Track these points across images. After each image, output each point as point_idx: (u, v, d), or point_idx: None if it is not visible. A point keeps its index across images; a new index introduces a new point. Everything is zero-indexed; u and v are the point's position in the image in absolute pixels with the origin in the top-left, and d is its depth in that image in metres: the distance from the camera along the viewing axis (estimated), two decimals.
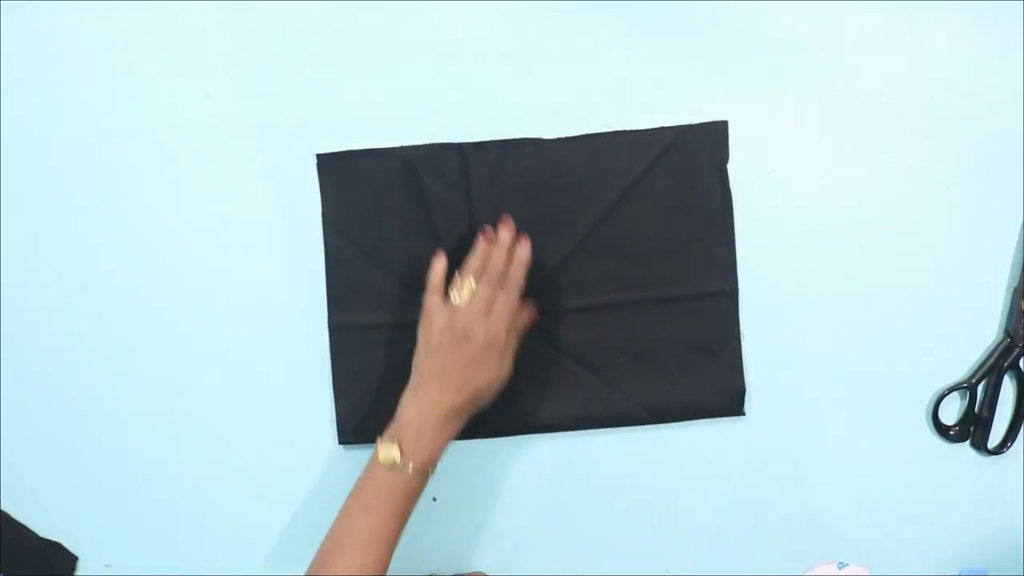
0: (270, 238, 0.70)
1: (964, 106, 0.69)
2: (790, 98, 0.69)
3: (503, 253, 0.64)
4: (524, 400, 0.70)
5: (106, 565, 0.72)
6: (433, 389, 0.61)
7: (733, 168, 0.69)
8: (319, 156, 0.69)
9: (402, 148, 0.69)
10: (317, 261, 0.70)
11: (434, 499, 0.71)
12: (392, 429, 0.61)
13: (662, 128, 0.69)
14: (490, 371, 0.62)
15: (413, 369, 0.63)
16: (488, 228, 0.65)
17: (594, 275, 0.69)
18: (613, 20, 0.69)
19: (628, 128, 0.69)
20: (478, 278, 0.63)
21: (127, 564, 0.72)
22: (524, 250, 0.65)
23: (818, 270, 0.69)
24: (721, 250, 0.69)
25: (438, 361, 0.61)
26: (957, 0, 0.68)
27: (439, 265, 0.64)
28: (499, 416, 0.69)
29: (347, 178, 0.70)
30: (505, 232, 0.65)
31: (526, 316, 0.66)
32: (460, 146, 0.69)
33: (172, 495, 0.71)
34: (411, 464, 0.59)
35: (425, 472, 0.60)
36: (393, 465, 0.59)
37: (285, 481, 0.71)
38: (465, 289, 0.62)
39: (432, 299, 0.63)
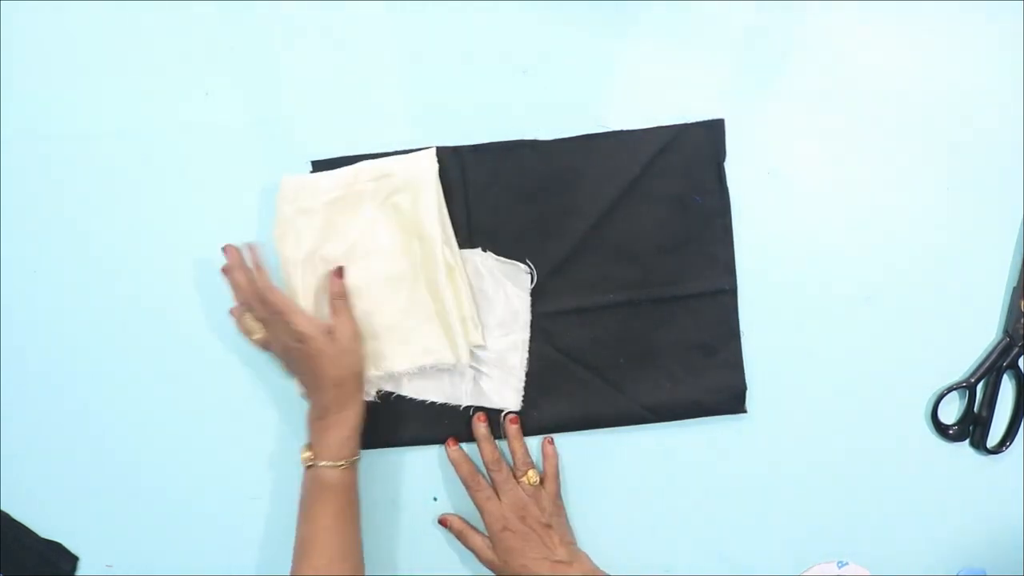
0: (269, 241, 0.70)
1: (964, 106, 0.69)
2: (788, 97, 0.69)
3: (240, 272, 0.66)
4: (527, 401, 0.70)
5: (107, 565, 0.72)
6: (309, 398, 0.66)
7: (731, 166, 0.69)
8: (314, 164, 0.69)
9: (396, 153, 0.69)
10: None
11: (435, 499, 0.71)
12: (307, 439, 0.66)
13: (659, 127, 0.69)
14: (315, 359, 0.63)
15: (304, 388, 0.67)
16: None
17: (594, 275, 0.69)
18: (608, 20, 0.69)
19: (625, 128, 0.69)
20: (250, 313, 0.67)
21: (127, 564, 0.72)
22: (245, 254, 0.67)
23: (817, 268, 0.69)
24: (720, 248, 0.69)
25: (300, 368, 0.65)
26: (957, 0, 0.68)
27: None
28: (500, 417, 0.70)
29: None
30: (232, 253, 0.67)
31: (335, 285, 0.67)
32: (457, 149, 0.69)
33: (174, 496, 0.72)
34: (321, 459, 0.63)
35: (337, 462, 0.64)
36: (307, 461, 0.64)
37: (286, 484, 0.71)
38: (246, 328, 0.67)
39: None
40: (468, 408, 0.69)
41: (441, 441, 0.70)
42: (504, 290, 0.69)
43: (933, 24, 0.68)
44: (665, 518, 0.70)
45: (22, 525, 0.72)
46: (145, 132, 0.71)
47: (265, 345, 0.67)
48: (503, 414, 0.69)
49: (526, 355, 0.69)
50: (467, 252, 0.69)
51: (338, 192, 0.68)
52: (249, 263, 0.66)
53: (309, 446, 0.65)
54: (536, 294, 0.69)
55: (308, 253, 0.67)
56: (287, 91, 0.70)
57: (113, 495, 0.72)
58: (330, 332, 0.64)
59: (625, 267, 0.69)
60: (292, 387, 0.70)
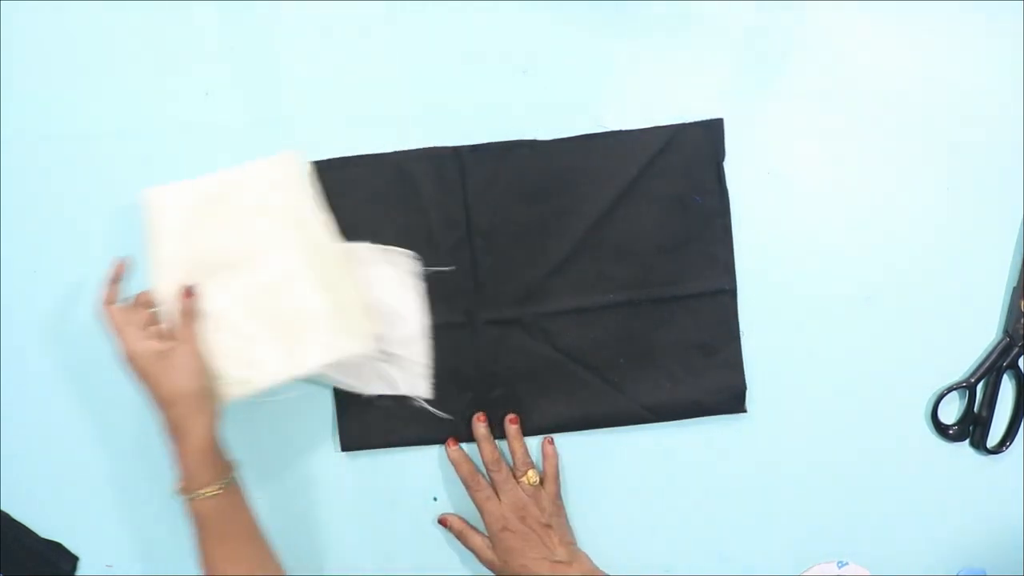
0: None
1: (964, 106, 0.69)
2: (788, 97, 0.69)
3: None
4: (526, 401, 0.70)
5: (107, 565, 0.72)
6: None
7: (731, 166, 0.69)
8: (313, 163, 0.69)
9: (396, 153, 0.69)
10: None
11: (435, 499, 0.71)
12: None
13: (658, 127, 0.68)
14: (143, 380, 0.62)
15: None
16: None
17: (593, 275, 0.69)
18: (608, 20, 0.69)
19: (624, 128, 0.69)
20: None
21: (127, 564, 0.72)
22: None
23: (817, 268, 0.69)
24: (719, 248, 0.69)
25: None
26: (957, 0, 0.68)
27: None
28: (502, 417, 0.70)
29: (341, 185, 0.69)
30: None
31: (184, 304, 0.64)
32: (456, 149, 0.69)
33: (173, 497, 0.71)
34: (188, 492, 0.61)
35: (203, 491, 0.61)
36: (179, 496, 0.62)
37: (287, 487, 0.71)
38: None
39: None
40: (468, 408, 0.69)
41: (441, 441, 0.70)
42: (395, 279, 0.68)
43: (933, 24, 0.69)
44: (665, 518, 0.70)
45: (22, 525, 0.72)
46: (145, 132, 0.71)
47: None
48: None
49: (427, 342, 0.69)
50: (352, 245, 0.68)
51: (208, 201, 0.66)
52: (111, 277, 0.65)
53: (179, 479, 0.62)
54: (536, 294, 0.69)
55: (186, 265, 0.65)
56: (287, 91, 0.70)
57: (113, 495, 0.72)
58: (160, 352, 0.61)
59: (625, 267, 0.69)
60: (293, 390, 0.70)
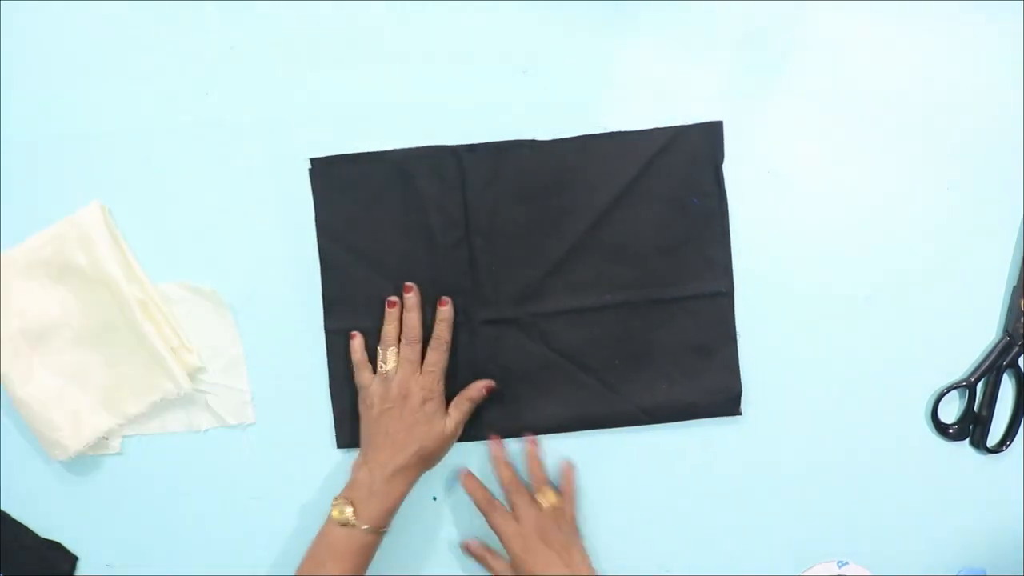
0: (269, 239, 0.70)
1: (964, 106, 0.69)
2: (787, 98, 0.69)
3: (415, 313, 0.67)
4: (522, 401, 0.70)
5: (106, 565, 0.72)
6: (381, 451, 0.64)
7: (731, 167, 0.69)
8: (312, 161, 0.69)
9: (396, 151, 0.69)
10: (316, 263, 0.70)
11: (434, 498, 0.71)
12: (346, 491, 0.64)
13: (657, 129, 0.68)
14: (432, 425, 0.65)
15: (361, 438, 0.67)
16: (393, 297, 0.68)
17: (591, 276, 0.69)
18: (608, 20, 0.69)
19: (624, 129, 0.69)
20: (398, 343, 0.67)
21: (127, 564, 0.72)
22: (446, 308, 0.68)
23: (816, 270, 0.69)
24: (717, 250, 0.69)
25: (382, 427, 0.65)
26: (957, 0, 0.68)
27: (357, 343, 0.68)
28: (497, 417, 0.70)
29: (340, 183, 0.69)
30: (411, 295, 0.68)
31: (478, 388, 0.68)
32: (455, 148, 0.69)
33: (172, 497, 0.71)
34: (364, 522, 0.63)
35: (378, 529, 0.64)
36: (347, 523, 0.62)
37: (283, 484, 0.71)
38: (390, 357, 0.66)
39: (363, 375, 0.67)
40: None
41: None
42: (209, 311, 0.70)
43: (933, 24, 0.68)
44: (665, 518, 0.70)
45: (22, 525, 0.72)
46: (145, 132, 0.71)
47: (383, 380, 0.66)
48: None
49: (245, 369, 0.70)
50: (162, 286, 0.70)
51: (19, 271, 0.69)
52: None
53: (350, 503, 0.63)
54: (533, 294, 0.69)
55: (10, 331, 0.69)
56: (287, 91, 0.70)
57: (113, 495, 0.72)
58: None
59: (622, 268, 0.69)
60: (289, 390, 0.70)
